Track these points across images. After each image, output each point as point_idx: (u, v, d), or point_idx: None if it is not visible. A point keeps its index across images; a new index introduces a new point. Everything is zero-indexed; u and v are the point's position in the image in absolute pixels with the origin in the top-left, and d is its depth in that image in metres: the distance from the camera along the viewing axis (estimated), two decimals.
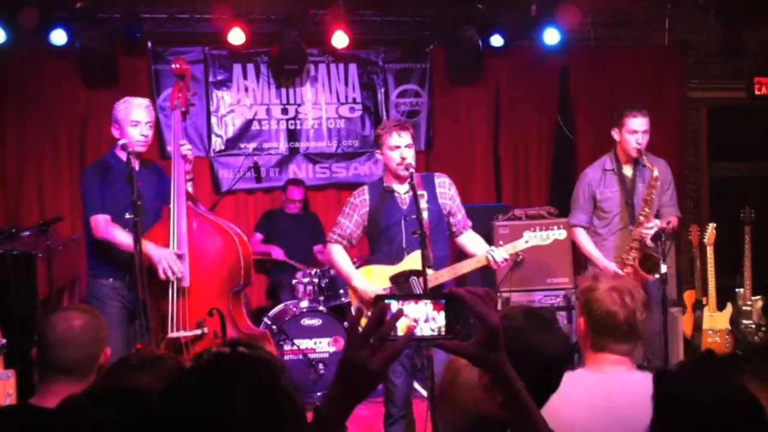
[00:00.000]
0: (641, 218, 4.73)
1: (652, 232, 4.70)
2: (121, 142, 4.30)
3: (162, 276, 4.12)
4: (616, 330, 2.32)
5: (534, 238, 4.39)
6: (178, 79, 4.51)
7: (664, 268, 4.62)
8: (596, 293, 2.34)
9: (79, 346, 2.50)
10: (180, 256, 4.17)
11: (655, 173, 4.75)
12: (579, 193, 5.00)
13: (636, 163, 4.89)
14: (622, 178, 4.89)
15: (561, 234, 4.46)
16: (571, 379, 2.27)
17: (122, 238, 4.16)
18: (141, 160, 4.45)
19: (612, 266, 4.71)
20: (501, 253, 4.19)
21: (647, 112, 4.87)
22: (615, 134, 4.89)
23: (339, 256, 4.40)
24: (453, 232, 4.42)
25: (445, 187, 4.36)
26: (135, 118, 4.36)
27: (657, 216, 4.87)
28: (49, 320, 2.54)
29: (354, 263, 4.48)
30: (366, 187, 4.40)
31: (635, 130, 4.80)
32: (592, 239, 4.92)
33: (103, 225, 4.26)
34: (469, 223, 4.49)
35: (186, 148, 4.37)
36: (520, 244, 4.39)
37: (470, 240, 4.44)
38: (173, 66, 4.59)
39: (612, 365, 2.34)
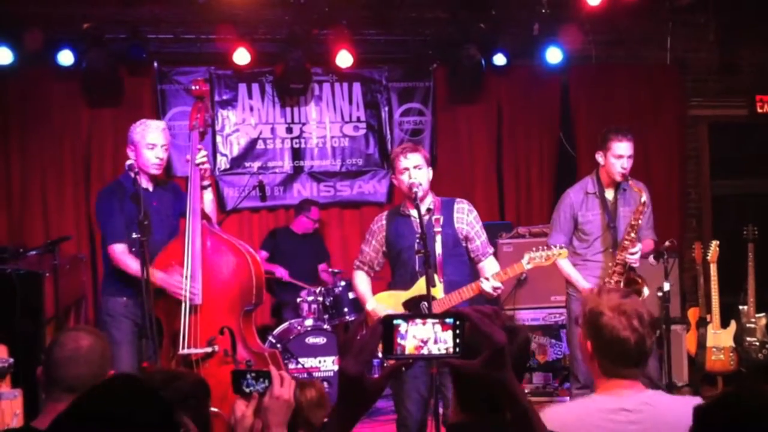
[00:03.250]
0: (626, 243, 4.68)
1: (636, 257, 4.68)
2: (128, 162, 4.32)
3: (182, 298, 4.19)
4: (626, 356, 2.26)
5: (534, 259, 4.37)
6: (197, 100, 4.59)
7: (646, 292, 4.64)
8: (604, 318, 2.26)
9: (87, 365, 2.52)
10: (191, 276, 4.23)
11: (643, 198, 4.71)
12: (560, 215, 4.96)
13: (618, 186, 4.87)
14: (603, 202, 4.86)
15: (562, 253, 4.45)
16: (589, 404, 2.29)
17: (136, 267, 4.21)
18: (156, 180, 4.52)
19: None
20: (491, 283, 4.14)
21: (632, 136, 4.82)
22: (599, 157, 4.86)
23: (359, 281, 4.45)
24: (472, 258, 4.37)
25: (464, 213, 4.34)
26: (151, 140, 4.42)
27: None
28: (56, 340, 2.57)
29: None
30: (384, 214, 4.47)
31: (621, 154, 4.76)
32: (572, 260, 4.88)
33: (121, 256, 4.36)
34: (490, 250, 4.42)
35: (202, 156, 4.43)
36: (521, 266, 4.34)
37: (488, 267, 4.37)
38: (193, 87, 4.65)
39: (625, 389, 2.29)
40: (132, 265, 4.30)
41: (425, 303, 4.08)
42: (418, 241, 4.09)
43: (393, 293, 4.31)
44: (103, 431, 1.36)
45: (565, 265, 4.85)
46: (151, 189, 4.48)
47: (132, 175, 4.32)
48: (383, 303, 4.27)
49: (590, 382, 4.75)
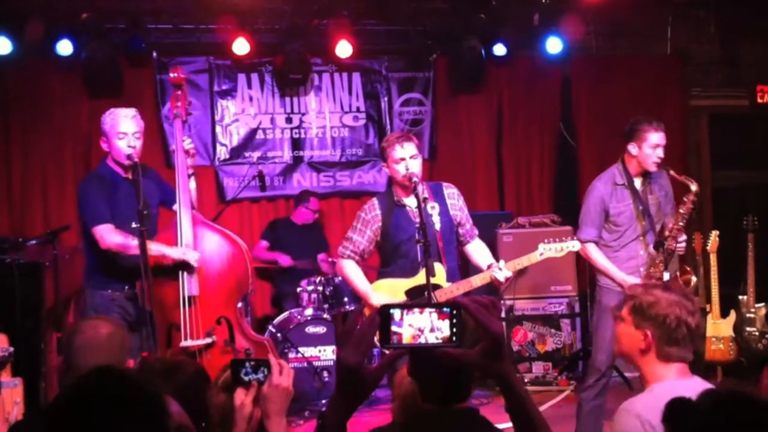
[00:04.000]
0: (675, 232, 4.75)
1: (683, 245, 4.77)
2: (130, 152, 4.28)
3: (193, 264, 4.15)
4: (689, 337, 2.42)
5: (548, 250, 4.38)
6: (175, 88, 4.48)
7: (694, 280, 4.81)
8: (663, 305, 2.41)
9: (106, 353, 2.55)
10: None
11: (694, 188, 4.77)
12: (591, 208, 4.92)
13: (645, 175, 4.89)
14: (634, 191, 4.87)
15: (575, 246, 4.46)
16: (666, 389, 2.34)
17: (131, 243, 4.12)
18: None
19: (630, 279, 4.68)
20: (504, 273, 4.17)
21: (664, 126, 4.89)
22: (633, 149, 4.82)
23: (353, 272, 4.36)
24: (460, 242, 4.42)
25: (455, 198, 4.37)
26: (121, 129, 4.31)
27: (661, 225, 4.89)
28: (76, 327, 2.59)
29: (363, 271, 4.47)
30: (376, 202, 4.36)
31: (657, 144, 4.78)
32: (602, 252, 4.90)
33: (109, 234, 4.21)
34: (476, 232, 4.50)
35: (188, 143, 4.37)
36: (534, 257, 4.38)
37: (476, 249, 4.44)
38: (171, 75, 4.55)
39: (680, 373, 2.43)
40: (122, 241, 4.16)
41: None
42: (418, 230, 4.08)
43: (392, 282, 4.28)
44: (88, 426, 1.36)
45: (600, 259, 4.83)
46: (130, 179, 4.35)
47: (111, 165, 4.31)
48: (383, 292, 4.25)
49: (609, 373, 4.81)
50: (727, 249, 6.41)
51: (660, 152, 4.80)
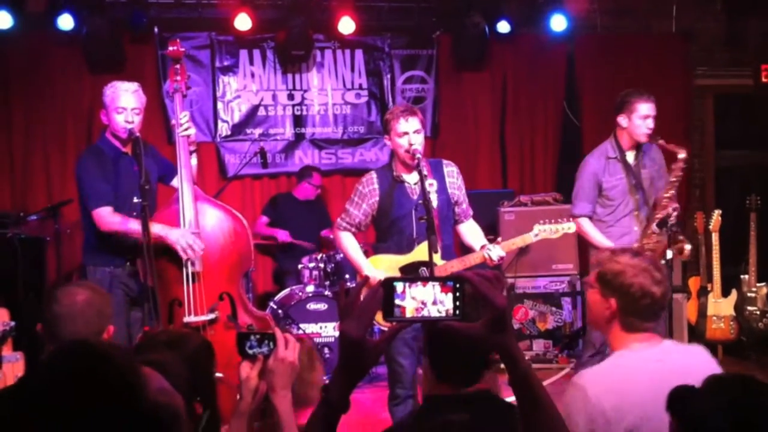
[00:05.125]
0: (665, 201, 4.70)
1: (675, 212, 4.69)
2: (128, 127, 4.25)
3: (183, 256, 4.07)
4: (654, 309, 2.37)
5: (543, 231, 4.37)
6: (174, 62, 4.40)
7: (688, 248, 4.66)
8: (628, 274, 2.36)
9: (84, 320, 2.54)
10: (196, 234, 4.15)
11: (682, 155, 4.72)
12: (584, 183, 4.95)
13: (638, 148, 4.87)
14: (626, 165, 4.87)
15: (570, 227, 4.45)
16: (630, 357, 2.36)
17: (131, 226, 4.10)
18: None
19: None
20: (497, 252, 4.15)
21: (653, 98, 4.86)
22: (623, 120, 4.85)
23: (349, 244, 4.36)
24: (456, 221, 4.40)
25: (454, 177, 4.34)
26: (121, 104, 4.25)
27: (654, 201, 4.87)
28: (54, 295, 2.59)
29: (362, 250, 4.47)
30: (374, 176, 4.32)
31: (647, 114, 4.78)
32: (596, 227, 4.91)
33: (108, 217, 4.18)
34: (471, 212, 4.47)
35: (183, 115, 4.30)
36: (529, 238, 4.38)
37: (469, 229, 4.42)
38: (170, 48, 4.43)
39: (650, 341, 2.39)
40: (121, 224, 4.14)
41: (425, 268, 4.10)
42: (416, 208, 4.09)
43: (388, 257, 4.28)
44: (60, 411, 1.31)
45: (593, 233, 4.86)
46: (130, 154, 4.32)
47: (110, 138, 4.28)
48: (379, 267, 4.25)
49: (605, 348, 4.81)
50: (730, 228, 6.41)
51: (650, 123, 4.79)
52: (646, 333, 2.39)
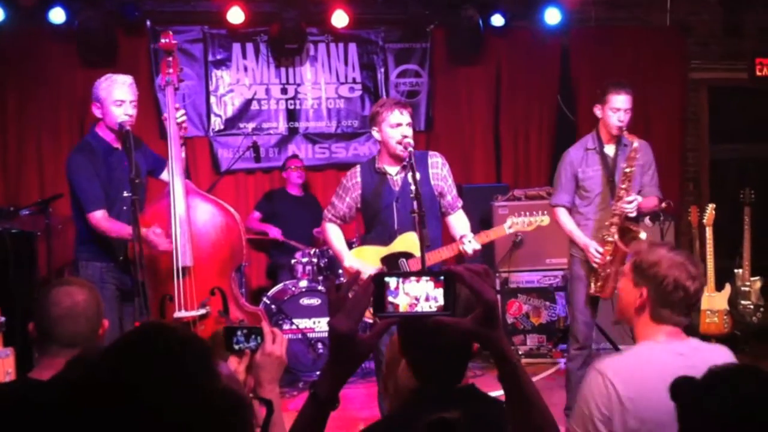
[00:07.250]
0: (621, 192, 4.65)
1: (632, 206, 4.61)
2: (119, 120, 4.22)
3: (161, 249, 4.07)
4: (687, 304, 2.37)
5: (517, 224, 4.41)
6: (166, 54, 4.36)
7: (643, 236, 4.56)
8: (663, 266, 2.36)
9: (86, 320, 2.53)
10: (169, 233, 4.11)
11: (635, 144, 4.66)
12: (561, 173, 4.95)
13: (618, 142, 4.83)
14: (603, 157, 4.83)
15: (544, 220, 4.47)
16: (654, 347, 2.36)
17: (121, 231, 4.11)
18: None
19: (593, 244, 4.69)
20: (472, 245, 4.15)
21: (631, 90, 4.76)
22: (597, 111, 4.83)
23: (333, 234, 4.44)
24: (442, 212, 4.38)
25: (438, 168, 4.32)
26: (119, 97, 4.22)
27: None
28: (50, 296, 2.55)
29: (354, 242, 4.48)
30: (358, 169, 4.35)
31: (618, 107, 4.72)
32: (574, 219, 4.88)
33: (103, 222, 4.19)
34: (459, 204, 4.43)
35: (180, 114, 4.29)
36: (502, 230, 4.42)
37: (457, 221, 4.40)
38: (162, 41, 4.38)
39: (676, 336, 2.39)
40: (115, 228, 4.16)
41: (404, 259, 4.15)
42: (397, 200, 4.13)
43: (370, 248, 4.30)
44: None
45: (567, 222, 4.85)
46: (120, 148, 4.28)
47: (108, 133, 4.26)
48: (360, 258, 4.28)
49: (589, 343, 4.81)
50: (724, 222, 6.40)
51: (622, 116, 4.72)
52: (675, 327, 2.39)
